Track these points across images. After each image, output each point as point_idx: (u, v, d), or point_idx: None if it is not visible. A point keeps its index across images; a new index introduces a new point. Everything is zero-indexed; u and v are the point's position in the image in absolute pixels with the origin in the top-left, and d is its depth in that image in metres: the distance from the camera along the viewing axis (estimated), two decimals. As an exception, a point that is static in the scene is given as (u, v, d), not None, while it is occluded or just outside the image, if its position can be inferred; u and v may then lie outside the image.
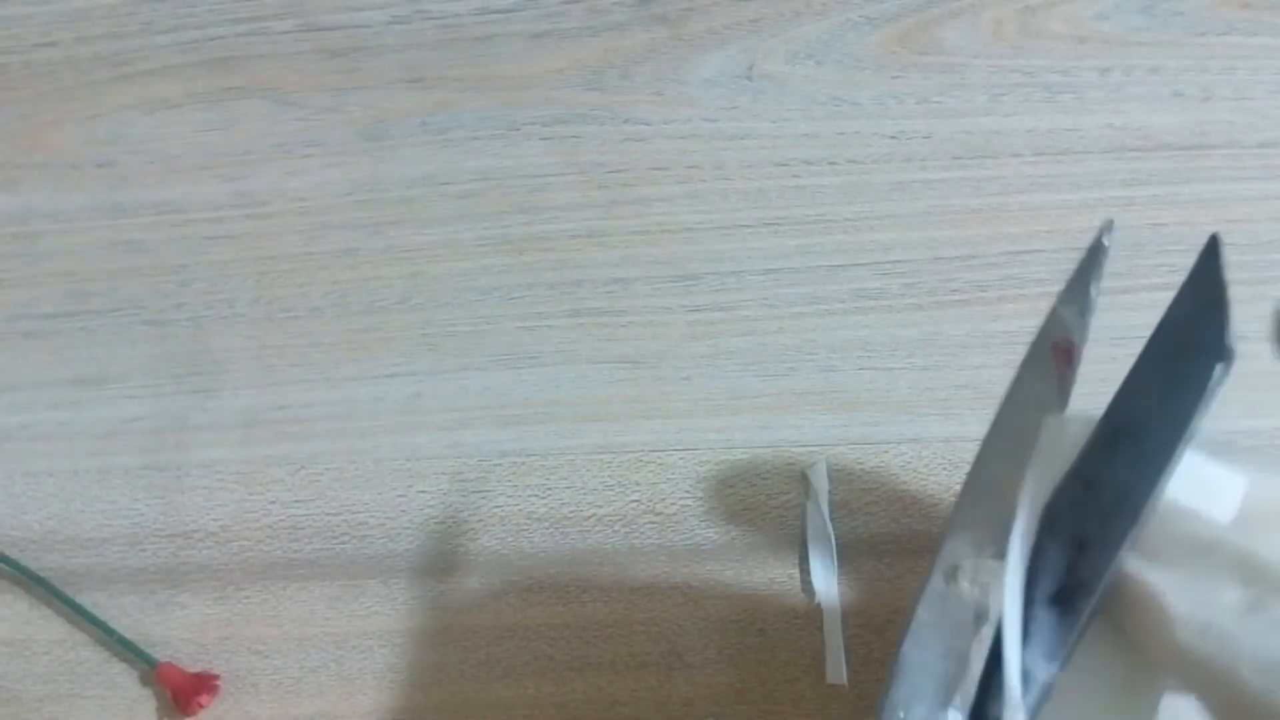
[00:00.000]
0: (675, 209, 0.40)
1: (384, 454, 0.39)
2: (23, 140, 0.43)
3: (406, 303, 0.40)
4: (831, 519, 0.38)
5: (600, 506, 0.38)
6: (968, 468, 0.38)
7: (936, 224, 0.40)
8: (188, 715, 0.37)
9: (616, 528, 0.38)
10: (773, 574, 0.38)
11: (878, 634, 0.37)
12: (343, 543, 0.39)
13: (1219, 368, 0.21)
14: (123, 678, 0.38)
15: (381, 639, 0.38)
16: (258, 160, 0.42)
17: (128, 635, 0.38)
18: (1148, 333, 0.38)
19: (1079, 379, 0.38)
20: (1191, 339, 0.20)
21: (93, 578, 0.39)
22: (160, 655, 0.38)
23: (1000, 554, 0.21)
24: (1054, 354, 0.21)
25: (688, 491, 0.38)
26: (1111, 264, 0.39)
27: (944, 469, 0.38)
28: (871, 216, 0.40)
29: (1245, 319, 0.38)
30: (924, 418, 0.38)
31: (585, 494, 0.39)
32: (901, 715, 0.22)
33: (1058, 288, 0.39)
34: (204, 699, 0.37)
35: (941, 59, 0.41)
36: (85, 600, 0.38)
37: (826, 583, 0.37)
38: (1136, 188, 0.40)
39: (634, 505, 0.38)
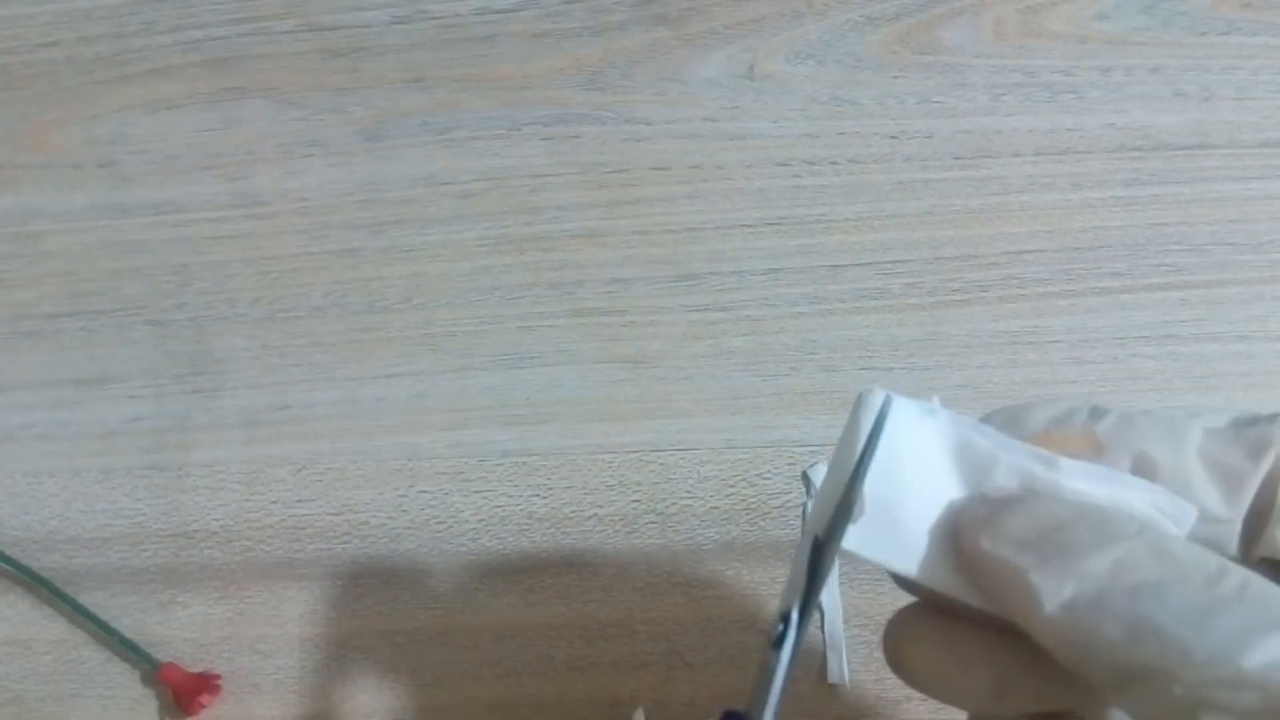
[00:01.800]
0: (676, 209, 0.40)
1: (385, 454, 0.39)
2: (23, 140, 0.43)
3: (408, 303, 0.40)
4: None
5: (601, 506, 0.38)
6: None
7: (937, 224, 0.40)
8: (189, 715, 0.37)
9: (617, 528, 0.38)
10: (773, 574, 0.38)
11: (878, 634, 0.37)
12: (345, 543, 0.39)
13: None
14: (124, 677, 0.38)
15: (383, 639, 0.38)
16: (259, 160, 0.42)
17: (129, 635, 0.38)
18: (1148, 332, 0.38)
19: (1079, 367, 0.38)
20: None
21: (94, 578, 0.39)
22: (162, 655, 0.38)
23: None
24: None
25: (689, 491, 0.38)
26: (1112, 263, 0.39)
27: (945, 469, 0.38)
28: (872, 216, 0.40)
29: (1246, 319, 0.38)
30: (925, 417, 0.38)
31: (586, 494, 0.39)
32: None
33: (1058, 287, 0.39)
34: (205, 699, 0.37)
35: (942, 59, 0.41)
36: (87, 600, 0.38)
37: (827, 582, 0.37)
38: (1137, 187, 0.40)
39: (635, 505, 0.38)
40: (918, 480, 0.21)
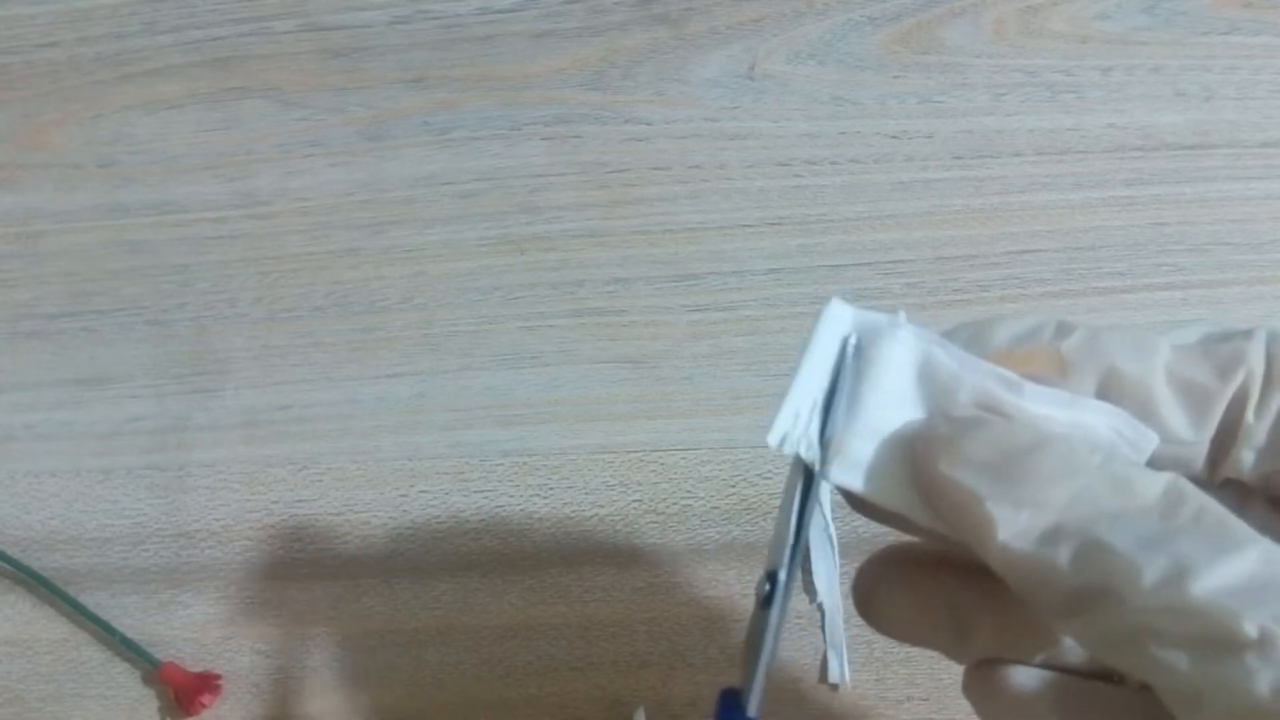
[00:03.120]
0: (677, 209, 0.40)
1: (386, 454, 0.39)
2: (24, 140, 0.43)
3: (408, 302, 0.41)
4: (833, 519, 0.38)
5: (602, 506, 0.38)
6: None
7: (938, 224, 0.40)
8: (190, 715, 0.37)
9: (618, 527, 0.38)
10: (774, 574, 0.38)
11: (878, 633, 0.37)
12: (345, 542, 0.39)
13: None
14: (125, 677, 0.38)
15: (384, 639, 0.38)
16: (259, 160, 0.42)
17: (130, 635, 0.38)
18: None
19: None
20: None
21: (95, 577, 0.39)
22: (162, 655, 0.38)
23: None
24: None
25: (689, 491, 0.38)
26: (1113, 263, 0.39)
27: (945, 469, 0.38)
28: (873, 216, 0.40)
29: (1247, 319, 0.38)
30: (925, 417, 0.38)
31: (587, 494, 0.39)
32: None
33: (1059, 287, 0.39)
34: (206, 699, 0.37)
35: (943, 58, 0.41)
36: (88, 600, 0.38)
37: (828, 582, 0.37)
38: (1138, 187, 0.40)
39: (636, 505, 0.38)
40: (877, 397, 0.21)
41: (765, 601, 0.22)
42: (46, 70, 0.43)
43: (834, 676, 0.37)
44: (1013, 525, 0.19)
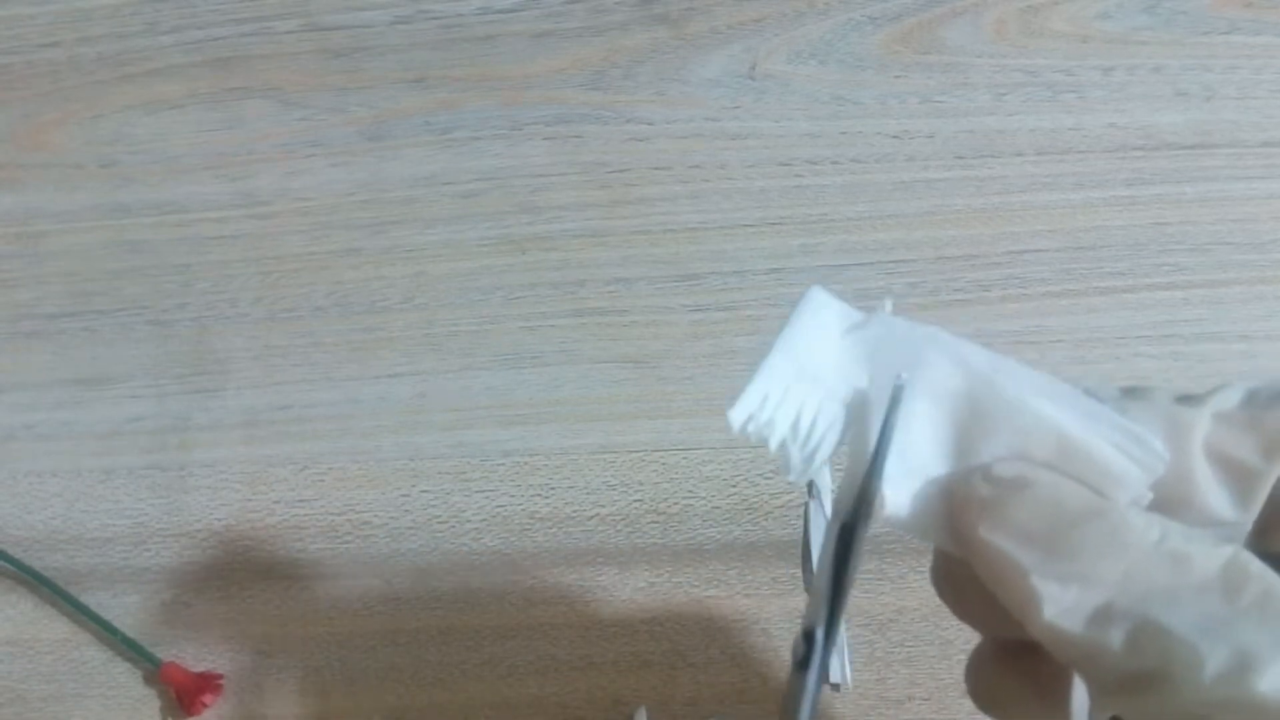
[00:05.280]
0: (678, 209, 0.40)
1: (387, 454, 0.39)
2: (25, 140, 0.43)
3: (409, 302, 0.41)
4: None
5: (603, 506, 0.38)
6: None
7: (939, 223, 0.40)
8: (191, 715, 0.37)
9: (619, 527, 0.38)
10: (775, 573, 0.38)
11: (879, 633, 0.37)
12: (346, 542, 0.39)
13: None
14: (126, 677, 0.38)
15: (385, 638, 0.38)
16: (260, 160, 0.42)
17: (131, 635, 0.38)
18: (1150, 331, 0.39)
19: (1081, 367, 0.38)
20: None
21: (96, 577, 0.39)
22: (164, 655, 0.38)
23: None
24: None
25: (690, 491, 0.38)
26: (1114, 263, 0.39)
27: (947, 468, 0.38)
28: (874, 216, 0.40)
29: (1248, 318, 0.38)
30: (927, 417, 0.38)
31: (588, 494, 0.39)
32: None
33: (1061, 287, 0.39)
34: (207, 699, 0.37)
35: (944, 58, 0.41)
36: (89, 600, 0.38)
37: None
38: (1139, 187, 0.40)
39: (637, 505, 0.38)
40: (906, 428, 0.20)
41: (802, 664, 0.20)
42: (47, 70, 0.43)
43: (835, 676, 0.37)
44: (1060, 602, 0.18)
